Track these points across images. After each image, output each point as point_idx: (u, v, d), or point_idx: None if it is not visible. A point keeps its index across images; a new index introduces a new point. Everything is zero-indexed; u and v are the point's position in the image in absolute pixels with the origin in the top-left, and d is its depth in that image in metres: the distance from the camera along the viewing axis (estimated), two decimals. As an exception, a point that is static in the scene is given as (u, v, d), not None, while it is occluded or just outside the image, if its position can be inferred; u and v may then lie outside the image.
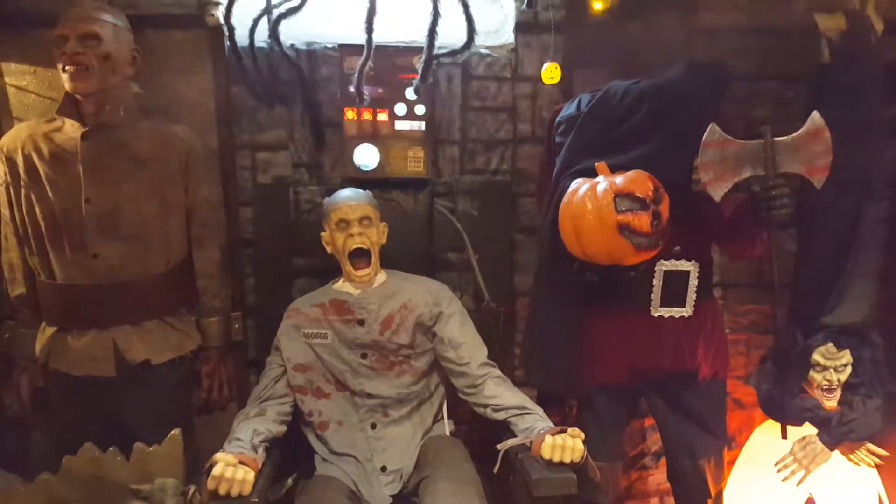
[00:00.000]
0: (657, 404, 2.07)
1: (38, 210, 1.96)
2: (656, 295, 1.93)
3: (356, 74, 1.95)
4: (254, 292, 2.32)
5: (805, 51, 2.28)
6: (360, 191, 2.03)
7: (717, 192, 1.78)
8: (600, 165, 1.83)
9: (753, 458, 2.30)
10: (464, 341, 1.97)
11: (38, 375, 2.11)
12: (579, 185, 1.81)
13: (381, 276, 2.03)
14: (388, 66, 2.15)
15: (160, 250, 2.04)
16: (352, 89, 2.08)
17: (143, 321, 2.03)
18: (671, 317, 1.95)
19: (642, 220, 1.69)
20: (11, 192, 1.99)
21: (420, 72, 1.98)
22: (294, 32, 2.18)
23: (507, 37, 2.31)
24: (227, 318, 2.21)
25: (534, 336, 2.05)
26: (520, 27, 2.29)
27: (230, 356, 2.26)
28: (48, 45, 1.95)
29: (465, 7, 1.88)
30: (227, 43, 2.12)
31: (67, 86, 1.89)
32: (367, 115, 2.19)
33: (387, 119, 2.20)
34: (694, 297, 1.95)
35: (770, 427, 2.27)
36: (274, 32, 2.10)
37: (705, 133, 1.76)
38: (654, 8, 2.19)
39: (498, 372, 1.96)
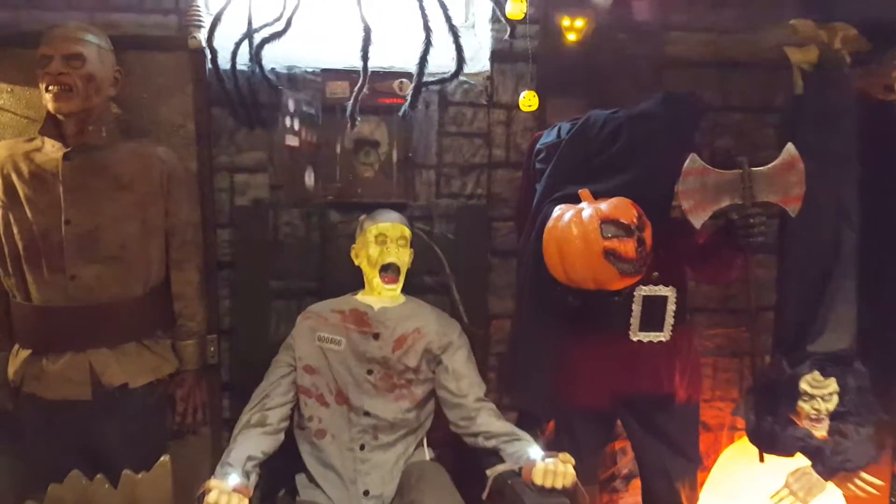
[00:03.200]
0: (633, 427, 2.13)
1: (15, 230, 1.93)
2: (635, 319, 2.00)
3: (350, 100, 1.98)
4: (230, 315, 2.31)
5: (770, 84, 2.42)
6: (399, 214, 2.11)
7: (698, 220, 1.87)
8: (584, 192, 1.90)
9: (722, 481, 2.37)
10: (466, 375, 2.02)
11: (9, 399, 2.05)
12: (563, 211, 1.87)
13: (402, 297, 2.09)
14: (368, 90, 2.18)
15: (139, 272, 2.02)
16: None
17: (121, 344, 2.00)
18: (650, 341, 2.02)
19: (628, 247, 1.76)
20: (-13, 212, 1.96)
21: (409, 99, 2.03)
22: (275, 56, 2.21)
23: (483, 64, 2.38)
24: (203, 341, 2.19)
25: (514, 357, 2.10)
26: (495, 56, 2.36)
27: (204, 379, 2.24)
28: (26, 64, 1.95)
29: (456, 36, 1.95)
30: (209, 66, 2.13)
31: (50, 106, 1.88)
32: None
33: (377, 145, 2.23)
34: (672, 322, 2.02)
35: (738, 450, 2.34)
36: (257, 56, 2.13)
37: (686, 162, 1.85)
38: (624, 40, 2.29)
39: (492, 405, 2.01)
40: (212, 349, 2.24)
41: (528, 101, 2.19)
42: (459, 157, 2.40)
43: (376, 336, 2.00)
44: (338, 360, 1.99)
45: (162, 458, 1.66)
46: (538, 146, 2.10)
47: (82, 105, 1.89)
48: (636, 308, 2.00)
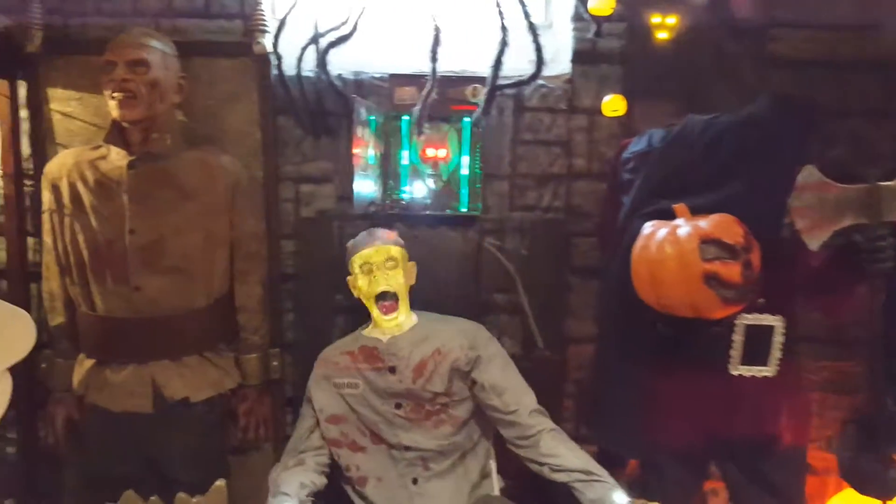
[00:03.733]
0: (731, 473, 1.90)
1: (81, 239, 1.91)
2: (736, 352, 1.75)
3: (419, 105, 1.85)
4: (293, 328, 2.25)
5: (892, 85, 2.13)
6: (384, 231, 1.95)
7: (815, 241, 1.63)
8: (680, 207, 1.69)
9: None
10: (508, 386, 1.84)
11: (73, 408, 2.05)
12: (656, 228, 1.67)
13: (412, 320, 1.92)
14: (438, 96, 2.05)
15: (202, 284, 1.98)
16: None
17: (183, 357, 1.97)
18: (752, 376, 1.77)
19: (732, 270, 1.55)
20: (55, 219, 1.96)
21: (482, 103, 1.88)
22: (341, 62, 2.11)
23: (563, 67, 2.20)
24: (265, 355, 2.13)
25: (598, 390, 1.91)
26: (577, 57, 2.18)
27: (268, 394, 2.17)
28: (94, 72, 1.93)
29: (535, 35, 1.78)
30: (275, 72, 2.07)
31: (115, 113, 1.85)
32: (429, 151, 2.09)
33: (445, 154, 2.09)
34: (778, 355, 1.77)
35: (847, 497, 2.08)
36: (322, 61, 2.05)
37: (801, 174, 1.62)
38: (722, 38, 2.07)
39: (552, 423, 1.82)
40: (275, 363, 2.17)
41: (614, 105, 2.01)
42: (535, 167, 2.23)
43: (392, 370, 1.84)
44: (360, 404, 1.86)
45: (217, 483, 1.58)
46: (626, 155, 1.92)
47: (146, 112, 1.85)
48: (738, 339, 1.76)
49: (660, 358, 1.81)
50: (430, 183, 2.12)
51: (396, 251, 1.90)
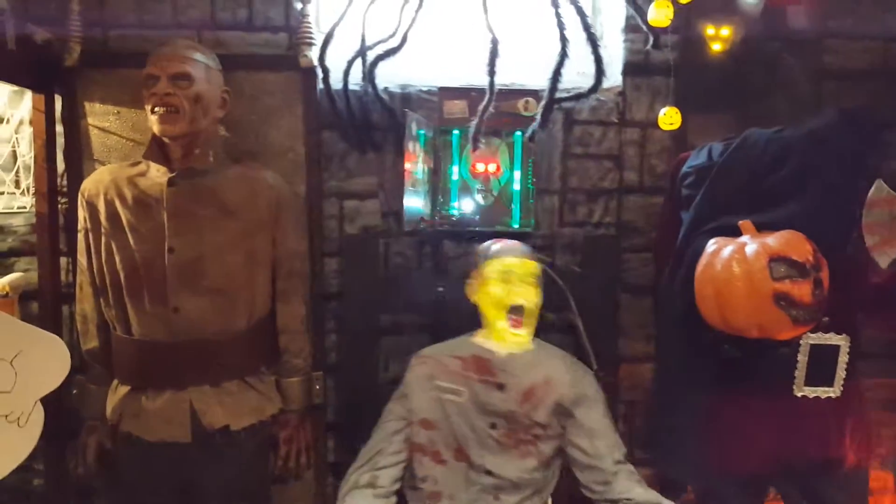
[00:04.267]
0: (793, 497, 1.84)
1: (117, 259, 1.82)
2: (801, 372, 1.71)
3: (476, 119, 1.78)
4: (336, 350, 2.16)
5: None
6: (526, 246, 1.88)
7: (885, 258, 1.58)
8: (745, 224, 1.64)
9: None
10: (602, 434, 1.77)
11: (106, 437, 1.95)
12: (721, 246, 1.61)
13: (530, 344, 1.85)
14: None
15: (244, 305, 1.89)
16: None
17: (223, 382, 1.86)
18: (816, 397, 1.72)
19: (803, 290, 1.49)
20: (91, 238, 1.87)
21: (539, 117, 1.81)
22: (388, 75, 2.05)
23: (614, 79, 2.15)
24: (308, 379, 2.03)
25: (658, 413, 1.84)
26: (629, 69, 2.13)
27: (309, 420, 2.07)
28: (133, 85, 1.86)
29: (595, 46, 1.72)
30: (321, 85, 2.00)
31: (156, 128, 1.77)
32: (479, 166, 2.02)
33: (496, 169, 2.02)
34: (843, 375, 1.72)
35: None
36: (370, 75, 1.98)
37: (871, 190, 1.57)
38: (777, 49, 2.03)
39: (631, 468, 1.76)
40: (317, 387, 2.07)
41: (670, 118, 1.94)
42: (586, 182, 2.17)
43: (501, 387, 1.77)
44: (458, 413, 1.78)
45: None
46: (685, 169, 1.85)
47: (189, 127, 1.77)
48: (802, 359, 1.72)
49: (723, 380, 1.76)
50: (480, 198, 2.04)
51: (536, 269, 1.83)
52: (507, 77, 2.03)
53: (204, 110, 1.81)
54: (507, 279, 1.77)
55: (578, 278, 2.11)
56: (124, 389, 1.86)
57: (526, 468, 1.76)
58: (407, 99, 2.10)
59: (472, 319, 1.91)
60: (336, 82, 2.01)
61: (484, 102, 1.78)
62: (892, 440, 2.32)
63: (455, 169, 2.04)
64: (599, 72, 1.79)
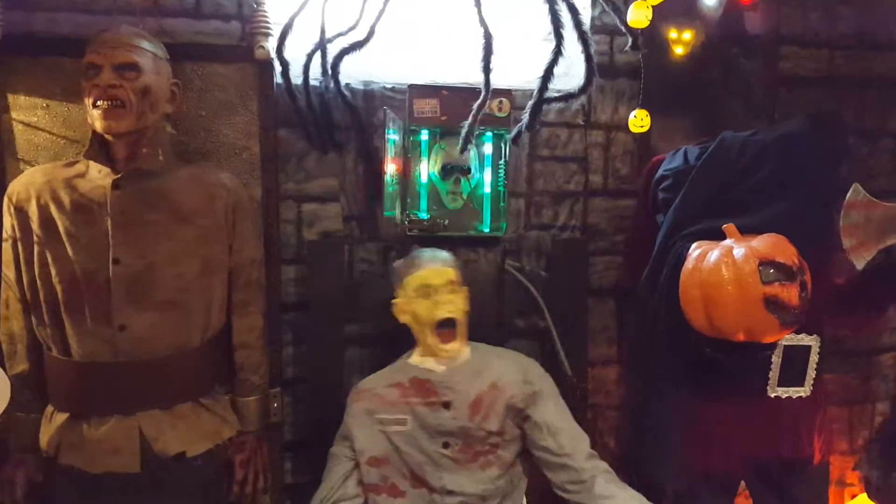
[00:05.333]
0: (762, 494, 1.87)
1: (53, 271, 1.62)
2: (774, 373, 1.74)
3: (469, 120, 1.69)
4: (294, 364, 2.02)
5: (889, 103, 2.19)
6: (443, 252, 1.79)
7: (860, 260, 1.63)
8: (729, 227, 1.64)
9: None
10: (563, 427, 1.71)
11: (37, 470, 1.73)
12: (707, 250, 1.61)
13: (465, 350, 1.76)
14: (458, 110, 1.90)
15: (199, 320, 1.73)
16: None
17: (176, 405, 1.70)
18: (788, 397, 1.76)
19: (791, 293, 1.50)
20: (20, 248, 1.65)
21: (528, 116, 1.73)
22: (351, 70, 1.93)
23: (578, 80, 2.11)
24: (266, 397, 1.89)
25: (638, 416, 1.83)
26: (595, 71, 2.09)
27: (266, 440, 1.92)
28: (65, 75, 1.68)
29: (586, 44, 1.67)
30: (279, 79, 1.86)
31: (98, 124, 1.58)
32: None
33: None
34: (814, 375, 1.77)
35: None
36: (333, 70, 1.85)
37: (849, 193, 1.60)
38: (734, 55, 2.07)
39: (606, 465, 1.70)
40: (275, 405, 1.94)
41: (640, 120, 1.93)
42: (552, 184, 2.13)
43: (447, 405, 1.68)
44: (406, 442, 1.68)
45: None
46: (661, 172, 1.85)
47: (136, 123, 1.60)
48: (776, 360, 1.75)
49: (702, 382, 1.77)
50: (449, 201, 1.96)
51: (456, 275, 1.74)
52: (475, 76, 1.96)
53: (152, 105, 1.64)
54: (428, 293, 1.69)
55: (546, 282, 2.06)
56: (62, 417, 1.67)
57: (489, 478, 1.69)
58: (371, 96, 1.99)
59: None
60: (295, 77, 1.87)
61: (479, 101, 1.68)
62: (839, 434, 2.42)
63: (423, 170, 1.94)
64: (590, 70, 1.74)
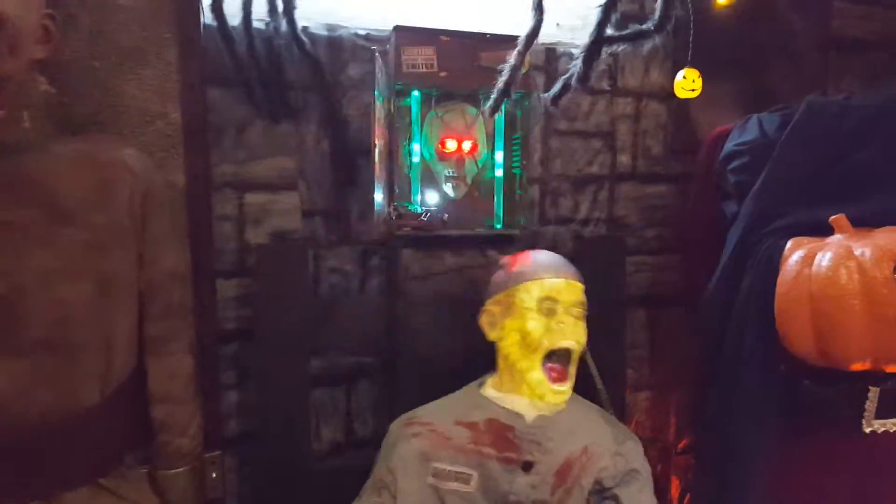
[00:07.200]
0: None
1: None
2: (871, 404, 1.37)
3: (505, 75, 1.18)
4: (238, 416, 1.51)
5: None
6: (569, 263, 1.33)
7: None
8: (838, 219, 1.27)
9: None
10: None
11: None
12: (813, 250, 1.28)
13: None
14: (463, 64, 1.40)
15: (94, 366, 1.20)
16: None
17: (62, 492, 1.19)
18: (885, 431, 1.41)
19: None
20: None
21: (581, 64, 1.24)
22: (308, 9, 1.41)
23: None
24: (199, 466, 1.38)
25: (725, 466, 1.43)
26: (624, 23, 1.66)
27: (201, 524, 1.43)
28: None
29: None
30: (208, 18, 1.32)
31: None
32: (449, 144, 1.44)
33: (471, 148, 1.44)
34: None
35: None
36: (288, 6, 1.33)
37: None
38: (785, 8, 1.71)
39: None
40: (213, 475, 1.45)
41: (691, 82, 1.49)
42: (571, 167, 1.69)
43: (528, 466, 1.22)
44: None
45: None
46: (730, 148, 1.45)
47: (-12, 73, 1.08)
48: (874, 388, 1.37)
49: (797, 421, 1.40)
50: (450, 189, 1.46)
51: (583, 293, 1.30)
52: (479, 21, 1.48)
53: (12, 47, 1.09)
54: (553, 310, 1.23)
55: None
56: None
57: None
58: (337, 45, 1.49)
59: (446, 363, 1.35)
60: (232, 15, 1.36)
61: (528, 29, 1.18)
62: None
63: (416, 147, 1.43)
64: (668, 5, 1.28)
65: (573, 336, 1.24)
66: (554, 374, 1.24)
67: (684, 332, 1.77)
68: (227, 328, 1.49)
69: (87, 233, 1.18)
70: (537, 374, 1.23)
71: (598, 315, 1.62)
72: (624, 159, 1.73)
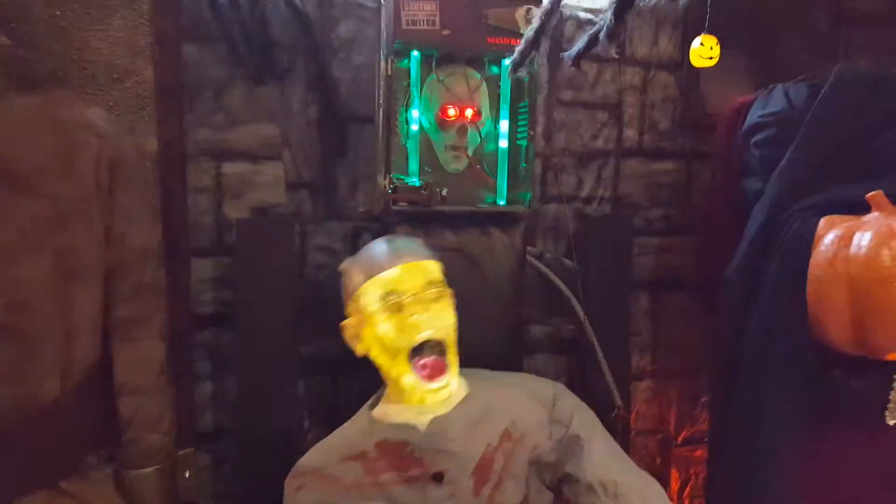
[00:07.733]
0: None
1: None
2: None
3: (538, 17, 1.04)
4: (214, 408, 1.40)
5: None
6: (409, 239, 1.20)
7: None
8: (877, 195, 1.20)
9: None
10: (626, 481, 1.12)
11: None
12: (850, 229, 1.21)
13: (462, 388, 1.17)
14: (469, 23, 1.27)
15: (53, 356, 1.09)
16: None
17: (18, 497, 1.09)
18: None
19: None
20: None
21: (611, 17, 1.09)
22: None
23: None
24: (171, 465, 1.27)
25: (753, 464, 1.36)
26: (632, -15, 1.55)
27: (174, 527, 1.32)
28: None
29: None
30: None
31: None
32: (450, 111, 1.30)
33: (474, 116, 1.31)
34: None
35: None
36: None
37: None
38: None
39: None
40: (186, 474, 1.33)
41: (709, 49, 1.38)
42: (576, 140, 1.58)
43: (439, 477, 1.09)
44: None
45: None
46: (754, 119, 1.36)
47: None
48: None
49: (822, 412, 1.31)
50: (450, 160, 1.33)
51: (437, 269, 1.15)
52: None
53: None
54: (400, 305, 1.10)
55: (571, 275, 1.49)
56: None
57: None
58: (325, 2, 1.33)
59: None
60: None
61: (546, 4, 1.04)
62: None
63: (415, 114, 1.30)
64: None
65: (430, 324, 1.10)
66: (426, 372, 1.11)
67: (688, 318, 1.69)
68: (202, 312, 1.37)
69: (46, 204, 1.07)
70: (409, 378, 1.11)
71: (602, 300, 1.54)
72: (630, 133, 1.63)
